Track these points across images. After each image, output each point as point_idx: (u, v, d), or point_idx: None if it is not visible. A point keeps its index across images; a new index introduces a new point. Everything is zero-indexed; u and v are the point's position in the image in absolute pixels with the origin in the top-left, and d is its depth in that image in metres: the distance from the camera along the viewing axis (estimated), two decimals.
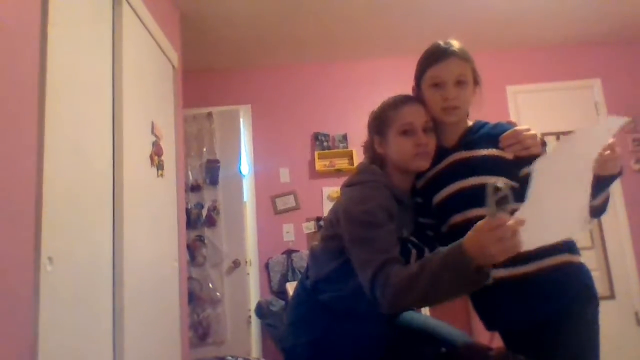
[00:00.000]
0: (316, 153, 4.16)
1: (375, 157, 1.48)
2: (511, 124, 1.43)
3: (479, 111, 1.45)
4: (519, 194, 1.34)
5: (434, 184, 1.43)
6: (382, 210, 1.29)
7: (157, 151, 2.56)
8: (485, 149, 1.38)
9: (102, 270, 1.90)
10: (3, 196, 1.35)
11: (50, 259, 1.50)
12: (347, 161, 4.15)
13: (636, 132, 4.08)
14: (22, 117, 1.47)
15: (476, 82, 1.42)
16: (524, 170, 1.34)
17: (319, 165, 4.14)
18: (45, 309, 1.45)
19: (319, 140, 4.23)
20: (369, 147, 1.51)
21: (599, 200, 1.22)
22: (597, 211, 1.24)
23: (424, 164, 1.40)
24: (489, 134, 1.41)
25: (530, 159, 1.33)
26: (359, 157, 4.03)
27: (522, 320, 1.30)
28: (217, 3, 3.25)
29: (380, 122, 1.45)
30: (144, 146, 2.42)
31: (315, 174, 4.16)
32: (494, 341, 1.41)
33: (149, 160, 2.47)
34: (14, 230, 1.38)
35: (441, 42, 1.42)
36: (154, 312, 2.39)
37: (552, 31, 4.02)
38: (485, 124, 1.47)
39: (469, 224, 1.33)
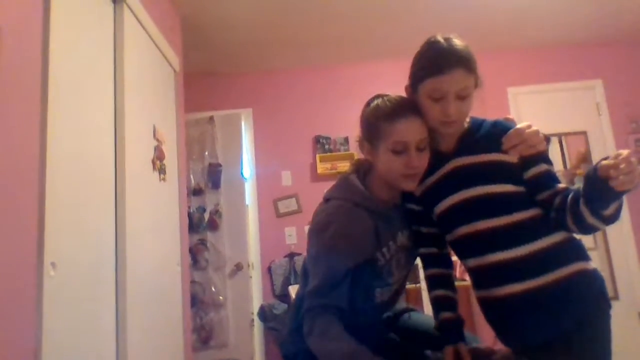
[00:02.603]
0: (318, 156, 4.17)
1: (364, 159, 1.42)
2: (509, 121, 1.35)
3: (481, 114, 1.40)
4: (524, 199, 1.27)
5: (435, 193, 1.35)
6: (340, 237, 1.30)
7: (159, 155, 2.56)
8: (487, 154, 1.30)
9: (105, 274, 1.91)
10: (6, 201, 1.35)
11: (53, 264, 1.50)
12: (348, 164, 4.12)
13: (638, 133, 4.07)
14: (24, 122, 1.47)
15: (476, 86, 1.29)
16: (530, 172, 1.28)
17: (321, 168, 4.14)
18: (48, 313, 1.45)
19: (321, 143, 4.24)
20: (361, 147, 1.42)
21: (611, 210, 1.14)
22: (609, 219, 1.16)
23: (411, 185, 1.33)
24: (489, 134, 1.33)
25: (535, 159, 1.28)
26: None
27: (541, 335, 1.24)
28: (218, 7, 3.26)
29: (371, 131, 1.34)
30: (145, 150, 2.43)
31: (317, 177, 4.16)
32: (498, 344, 1.40)
33: (151, 165, 2.47)
34: (17, 235, 1.38)
35: (444, 44, 1.26)
36: (157, 316, 2.39)
37: (553, 32, 4.01)
38: (483, 122, 1.37)
39: (478, 236, 1.27)
